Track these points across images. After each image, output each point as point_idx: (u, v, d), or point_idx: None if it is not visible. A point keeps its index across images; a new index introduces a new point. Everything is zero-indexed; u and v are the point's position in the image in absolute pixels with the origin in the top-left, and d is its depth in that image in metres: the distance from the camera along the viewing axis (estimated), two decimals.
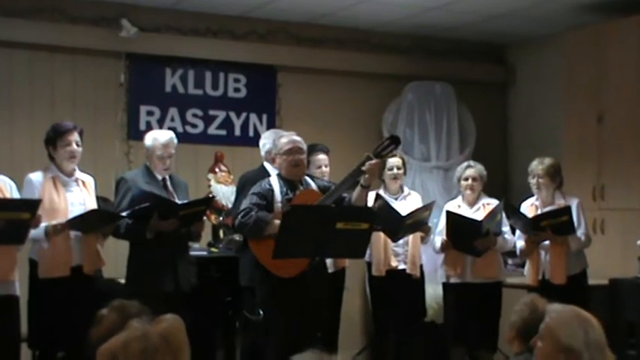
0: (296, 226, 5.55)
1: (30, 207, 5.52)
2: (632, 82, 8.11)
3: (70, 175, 6.06)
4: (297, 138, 6.23)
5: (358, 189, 6.04)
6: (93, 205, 6.09)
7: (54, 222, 5.76)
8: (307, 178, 6.27)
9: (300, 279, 5.88)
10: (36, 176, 5.95)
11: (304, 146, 6.23)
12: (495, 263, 7.03)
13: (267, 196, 6.04)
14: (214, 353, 7.41)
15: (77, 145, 6.03)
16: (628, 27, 8.17)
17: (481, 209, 7.03)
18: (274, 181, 6.13)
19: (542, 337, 3.39)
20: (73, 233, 5.90)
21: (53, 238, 5.77)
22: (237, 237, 6.97)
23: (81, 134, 6.09)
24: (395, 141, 6.09)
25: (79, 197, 6.04)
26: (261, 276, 6.03)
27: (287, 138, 6.24)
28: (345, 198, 6.11)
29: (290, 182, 6.12)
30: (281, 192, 6.06)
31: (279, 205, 5.98)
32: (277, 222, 5.77)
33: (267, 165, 6.88)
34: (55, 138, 6.01)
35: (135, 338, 2.59)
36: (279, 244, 5.58)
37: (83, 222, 5.88)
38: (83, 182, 6.13)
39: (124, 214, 6.07)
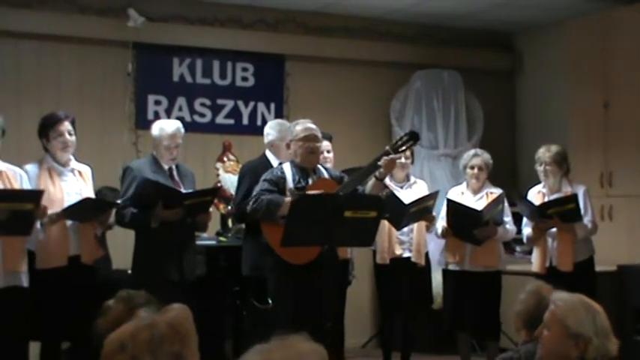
0: (304, 215, 5.55)
1: (33, 197, 5.52)
2: (637, 68, 8.12)
3: (66, 165, 6.05)
4: (313, 126, 6.20)
5: (373, 181, 6.08)
6: (90, 194, 6.10)
7: (49, 212, 5.74)
8: (320, 167, 6.28)
9: (312, 266, 5.88)
10: (31, 167, 5.94)
11: (320, 134, 6.24)
12: (495, 252, 7.03)
13: (279, 183, 6.04)
14: (223, 342, 7.44)
15: (70, 134, 6.02)
16: (633, 15, 8.18)
17: (484, 198, 7.04)
18: (287, 169, 6.12)
19: (548, 326, 3.42)
20: (69, 223, 5.89)
21: (49, 228, 5.78)
22: (244, 226, 6.98)
23: (73, 123, 6.07)
24: (413, 137, 6.14)
25: (75, 187, 6.03)
26: (273, 262, 6.02)
27: (303, 125, 6.20)
28: (357, 190, 6.14)
29: (303, 170, 6.13)
30: (293, 179, 6.05)
31: None
32: (288, 200, 5.81)
33: (269, 154, 6.87)
34: (46, 129, 6.00)
35: (143, 327, 2.61)
36: (287, 232, 5.57)
37: (78, 211, 5.88)
38: (79, 172, 6.12)
39: (119, 201, 6.08)
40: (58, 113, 6.13)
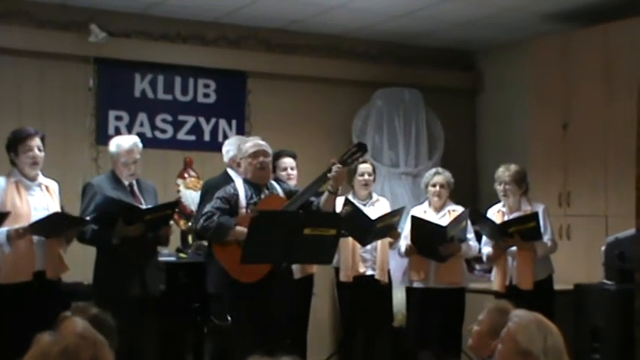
0: (264, 232, 5.55)
1: None
2: (596, 90, 8.19)
3: (34, 179, 6.02)
4: (262, 142, 6.25)
5: (326, 194, 6.07)
6: (57, 209, 6.05)
7: (16, 226, 5.71)
8: (273, 183, 6.29)
9: (265, 285, 5.86)
10: None
11: (269, 150, 6.25)
12: (459, 269, 7.09)
13: (231, 200, 6.05)
14: (183, 358, 7.41)
15: (39, 150, 6.00)
16: (593, 36, 8.26)
17: (447, 215, 7.08)
18: (239, 186, 6.13)
19: (502, 340, 3.46)
20: (35, 238, 5.84)
21: (15, 242, 5.73)
22: (205, 243, 6.96)
23: (42, 139, 6.06)
24: (361, 148, 6.14)
25: (42, 202, 6.00)
26: (228, 281, 6.01)
27: (252, 142, 6.27)
28: (313, 202, 6.13)
29: (255, 186, 6.13)
30: (246, 196, 6.06)
31: (243, 210, 5.99)
32: (240, 228, 5.80)
33: (230, 171, 6.87)
34: (15, 144, 5.97)
35: (51, 343, 2.61)
36: (246, 249, 5.57)
37: (46, 226, 5.83)
38: (47, 187, 6.09)
39: (87, 218, 6.05)
40: (28, 128, 6.10)
